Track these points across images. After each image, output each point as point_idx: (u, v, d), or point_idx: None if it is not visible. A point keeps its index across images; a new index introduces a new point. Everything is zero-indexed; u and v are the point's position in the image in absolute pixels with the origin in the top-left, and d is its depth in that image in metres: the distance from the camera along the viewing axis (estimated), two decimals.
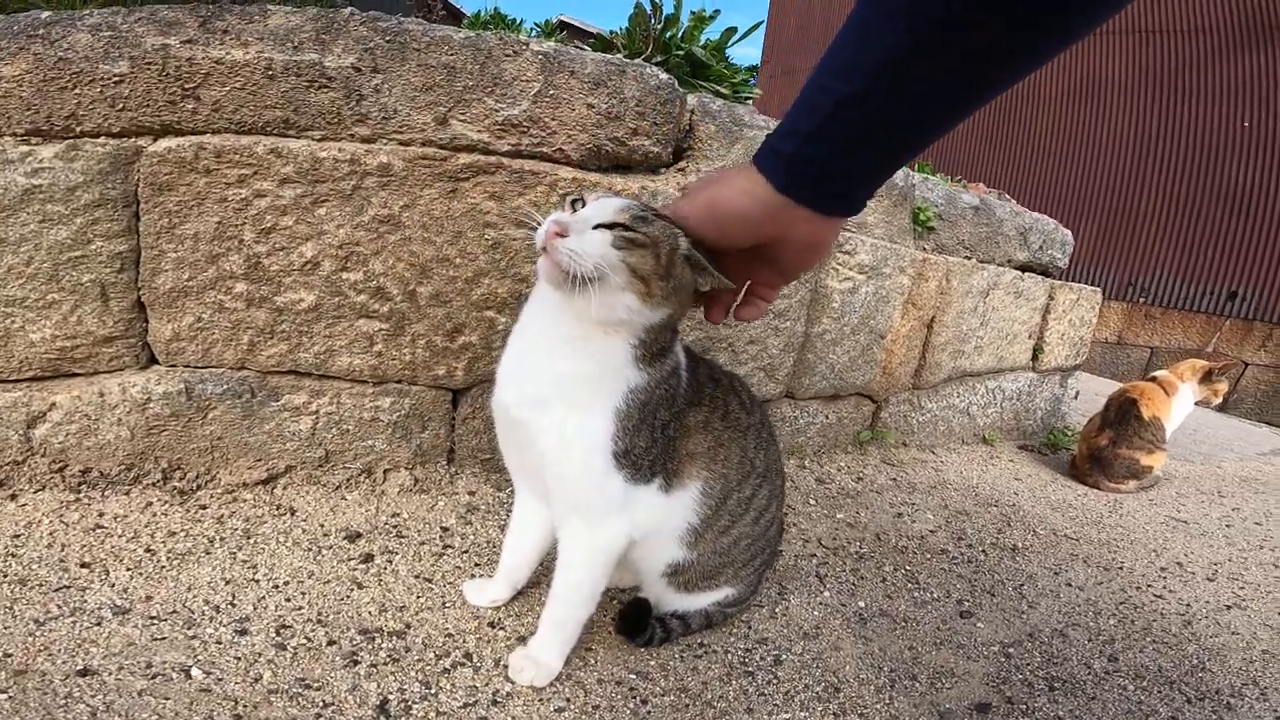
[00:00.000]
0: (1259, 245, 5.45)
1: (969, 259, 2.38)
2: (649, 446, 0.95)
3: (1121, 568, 1.70)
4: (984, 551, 1.71)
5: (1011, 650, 1.29)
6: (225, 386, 1.38)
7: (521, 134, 1.39)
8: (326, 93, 1.22)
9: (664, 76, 1.55)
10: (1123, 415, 2.32)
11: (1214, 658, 1.29)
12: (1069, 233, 2.87)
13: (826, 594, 1.44)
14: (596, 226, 0.84)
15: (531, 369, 0.94)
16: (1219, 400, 2.52)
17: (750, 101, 2.61)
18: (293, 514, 1.41)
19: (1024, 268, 2.67)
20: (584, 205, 0.87)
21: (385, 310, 1.35)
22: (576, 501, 0.97)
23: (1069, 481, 2.40)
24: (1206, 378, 2.48)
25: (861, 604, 1.42)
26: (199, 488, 1.44)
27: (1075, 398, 3.12)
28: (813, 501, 1.87)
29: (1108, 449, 2.31)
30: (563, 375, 0.91)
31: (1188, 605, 1.52)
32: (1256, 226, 5.47)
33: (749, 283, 0.82)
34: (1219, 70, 5.75)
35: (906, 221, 2.16)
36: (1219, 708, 1.13)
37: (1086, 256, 6.39)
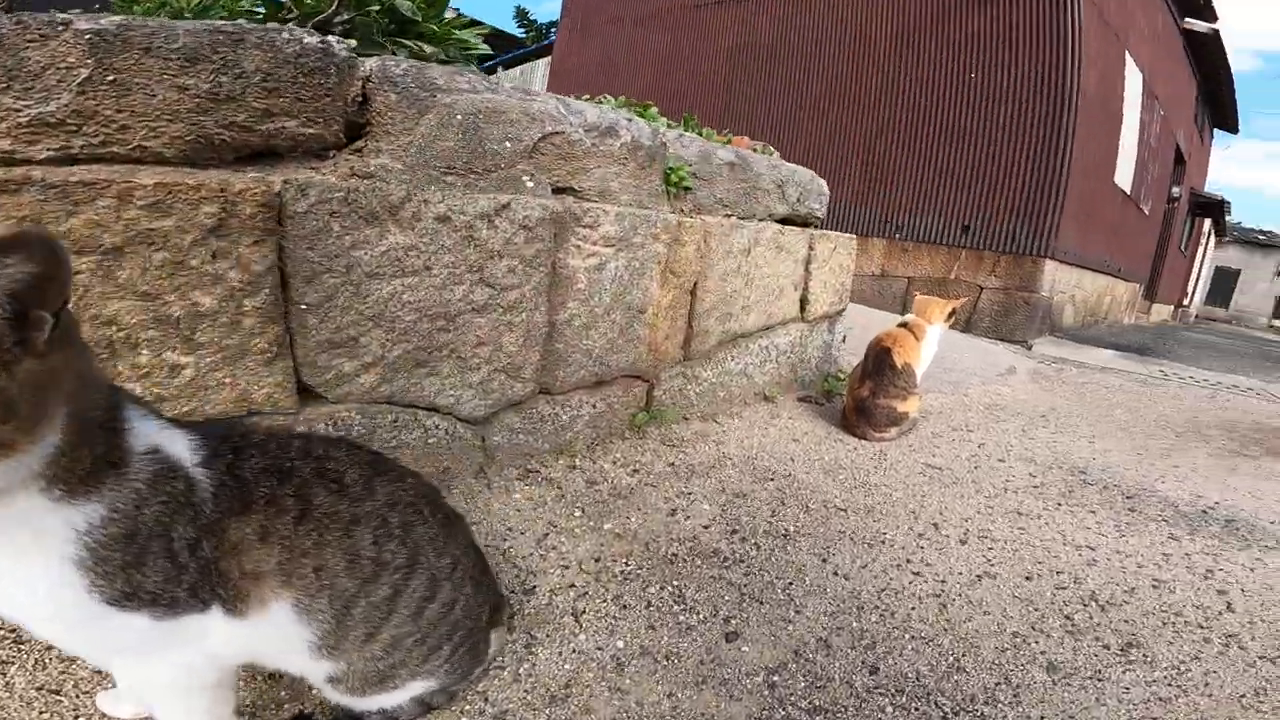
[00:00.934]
0: (981, 184, 6.03)
1: (729, 217, 2.20)
2: (173, 574, 0.66)
3: (884, 541, 1.62)
4: (757, 544, 1.55)
5: (776, 678, 1.12)
6: None
7: (70, 134, 0.97)
8: None
9: (310, 40, 1.16)
10: (879, 365, 2.30)
11: (969, 651, 1.20)
12: (824, 182, 2.82)
13: (582, 637, 1.19)
14: None
15: None
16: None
17: (481, 63, 2.21)
18: None
19: (785, 220, 2.56)
20: None
21: None
22: (94, 657, 0.78)
23: (841, 434, 2.37)
24: (950, 316, 2.55)
25: (620, 644, 1.19)
26: None
27: (844, 341, 3.15)
28: (579, 512, 1.62)
29: (869, 399, 2.29)
30: None
31: (943, 581, 1.45)
32: (979, 167, 6.04)
33: None
34: (954, 27, 6.18)
35: (658, 184, 1.92)
36: None
37: (854, 199, 6.75)
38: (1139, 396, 3.93)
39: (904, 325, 2.47)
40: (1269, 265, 23.56)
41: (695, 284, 2.06)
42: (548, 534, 1.50)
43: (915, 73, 6.41)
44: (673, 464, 1.96)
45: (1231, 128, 15.11)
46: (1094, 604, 1.43)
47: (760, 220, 2.38)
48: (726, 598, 1.34)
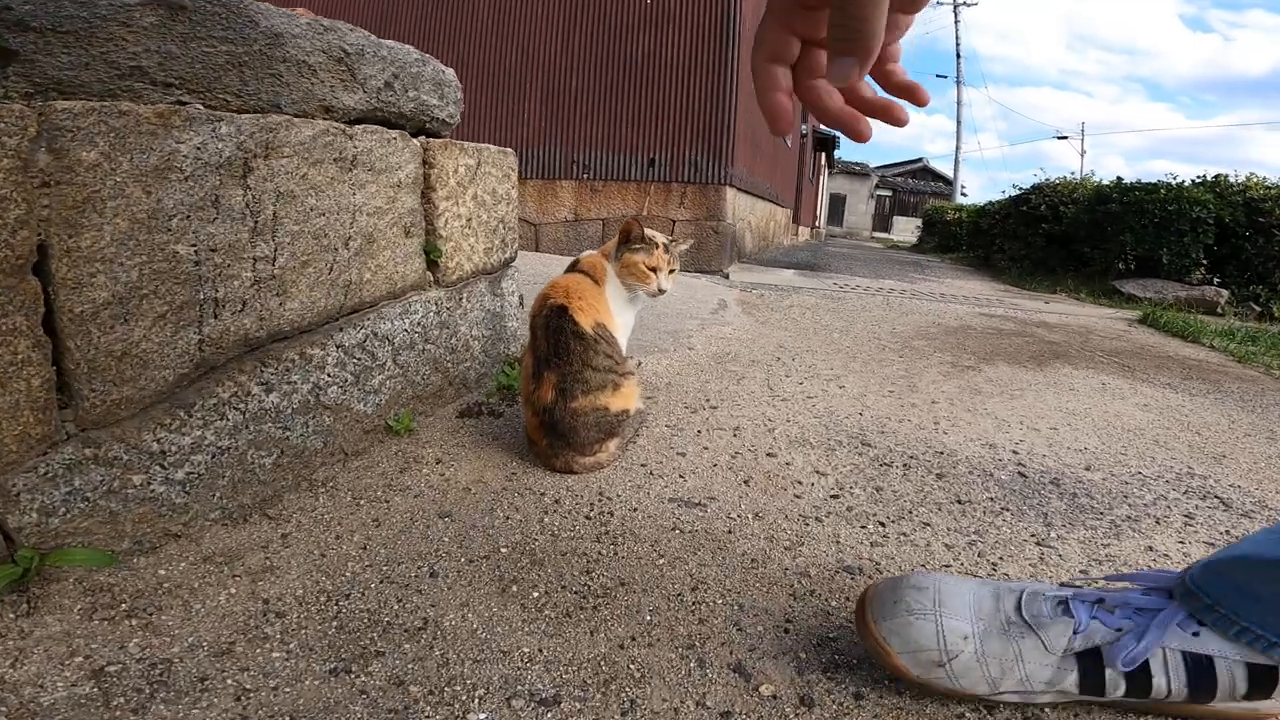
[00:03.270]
0: (662, 113, 5.38)
1: (179, 104, 0.90)
2: None
3: None
4: None
5: None
6: None
7: None
8: None
9: None
10: (557, 340, 1.23)
11: None
12: (450, 72, 1.61)
13: None
14: None
15: None
16: (675, 272, 1.59)
17: None
18: None
19: (365, 119, 1.33)
20: None
21: None
22: None
23: (532, 468, 1.28)
24: (625, 241, 1.44)
25: None
26: None
27: (521, 303, 2.07)
28: None
29: (559, 407, 1.22)
30: None
31: None
32: (659, 96, 5.37)
33: None
34: None
35: None
36: None
37: (537, 139, 5.68)
38: (839, 314, 3.56)
39: (576, 266, 1.42)
40: (865, 190, 28.54)
41: (42, 250, 0.74)
42: None
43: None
44: (104, 669, 0.67)
45: None
46: None
47: (294, 115, 1.11)
48: None
